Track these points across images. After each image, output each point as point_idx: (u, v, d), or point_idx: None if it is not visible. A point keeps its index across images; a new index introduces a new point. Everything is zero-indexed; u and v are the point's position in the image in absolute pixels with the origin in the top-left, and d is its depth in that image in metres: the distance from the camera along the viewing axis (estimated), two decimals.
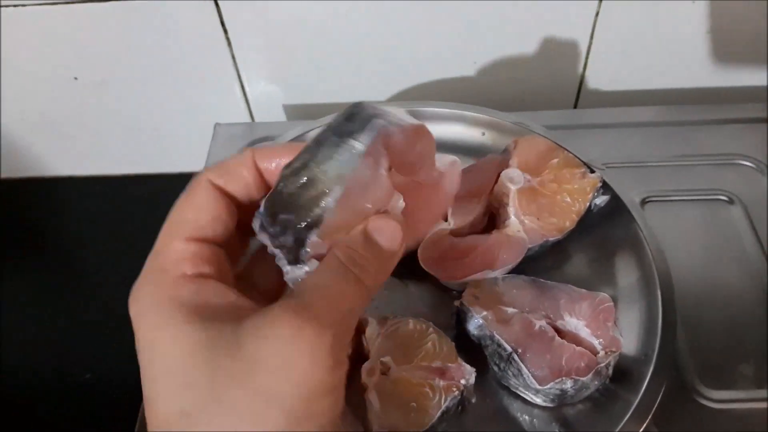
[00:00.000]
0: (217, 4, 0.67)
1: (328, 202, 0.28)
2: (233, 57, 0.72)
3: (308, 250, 0.29)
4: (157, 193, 0.83)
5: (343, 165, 0.29)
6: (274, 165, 0.31)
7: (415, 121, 0.32)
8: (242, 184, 0.31)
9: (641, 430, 0.42)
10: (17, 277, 0.76)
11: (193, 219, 0.30)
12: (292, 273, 0.29)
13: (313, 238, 0.28)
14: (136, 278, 0.30)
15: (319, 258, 0.29)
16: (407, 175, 0.34)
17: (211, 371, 0.25)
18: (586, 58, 0.71)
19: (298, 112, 0.78)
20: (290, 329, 0.25)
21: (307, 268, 0.29)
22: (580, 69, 0.72)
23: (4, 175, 0.84)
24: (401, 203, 0.33)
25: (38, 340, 0.69)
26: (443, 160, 0.36)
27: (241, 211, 0.31)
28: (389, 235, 0.29)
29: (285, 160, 0.30)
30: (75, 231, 0.82)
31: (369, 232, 0.29)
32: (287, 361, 0.25)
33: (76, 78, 0.74)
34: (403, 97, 0.75)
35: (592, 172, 0.53)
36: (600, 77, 0.73)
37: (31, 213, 0.83)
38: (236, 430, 0.25)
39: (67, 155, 0.83)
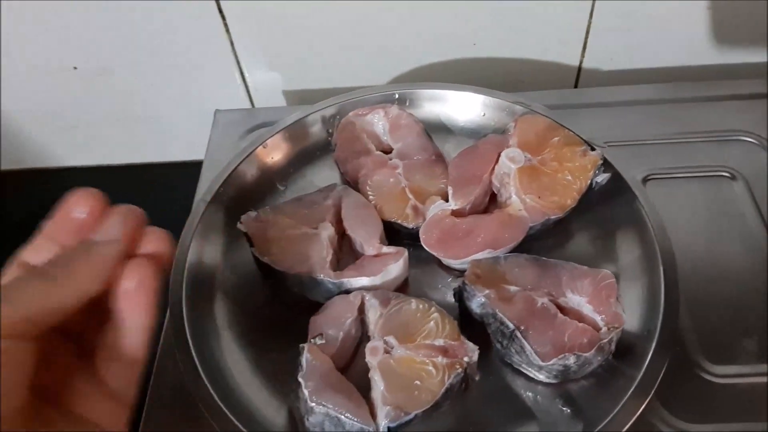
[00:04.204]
0: None
1: None
2: (232, 44, 0.72)
3: None
4: (158, 182, 0.84)
5: None
6: None
7: None
8: None
9: (644, 405, 0.43)
10: None
11: None
12: None
13: None
14: None
15: None
16: None
17: None
18: (586, 37, 0.71)
19: (298, 98, 0.78)
20: None
21: None
22: (580, 49, 0.72)
23: (5, 166, 0.84)
24: None
25: None
26: None
27: None
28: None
29: None
30: None
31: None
32: None
33: (75, 68, 0.74)
34: (402, 80, 0.75)
35: (593, 149, 0.53)
36: (600, 57, 0.73)
37: (32, 204, 0.83)
38: None
39: (69, 146, 0.83)
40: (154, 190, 0.83)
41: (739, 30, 0.70)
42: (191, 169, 0.65)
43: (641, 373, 0.44)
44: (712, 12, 0.68)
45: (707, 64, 0.73)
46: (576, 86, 0.76)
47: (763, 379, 0.48)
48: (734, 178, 0.59)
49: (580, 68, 0.74)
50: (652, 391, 0.43)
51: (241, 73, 0.75)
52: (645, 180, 0.59)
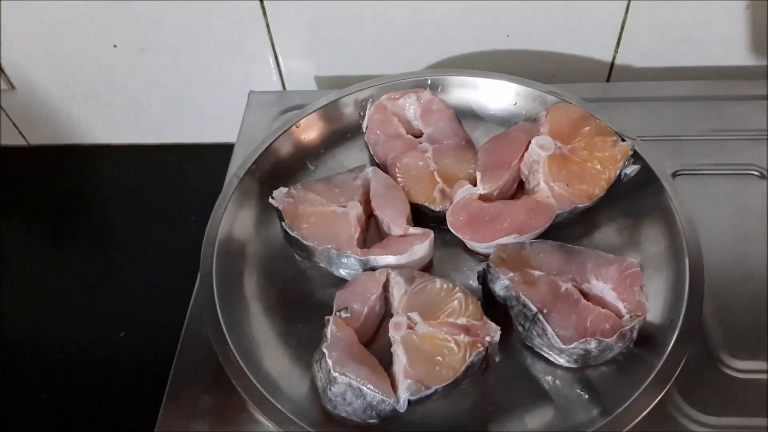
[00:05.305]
0: None
1: None
2: (268, 28, 0.73)
3: None
4: (190, 163, 0.85)
5: None
6: None
7: None
8: None
9: (662, 393, 0.43)
10: (56, 240, 0.78)
11: None
12: None
13: None
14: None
15: None
16: None
17: None
18: (620, 33, 0.71)
19: (330, 84, 0.79)
20: None
21: None
22: (614, 44, 0.72)
23: (44, 141, 0.87)
24: None
25: (75, 301, 0.71)
26: None
27: None
28: None
29: None
30: (112, 197, 0.84)
31: None
32: None
33: (115, 46, 0.76)
34: (435, 68, 0.75)
35: (624, 141, 0.53)
36: (633, 53, 0.72)
37: (70, 179, 0.85)
38: None
39: (106, 123, 0.85)
40: (186, 170, 0.84)
41: None
42: (223, 151, 0.66)
43: (661, 362, 0.44)
44: (750, 12, 0.67)
45: (742, 65, 0.72)
46: (608, 81, 0.76)
47: None
48: (763, 177, 0.58)
49: (612, 64, 0.74)
50: (672, 380, 0.43)
51: (276, 58, 0.76)
52: (675, 175, 0.59)
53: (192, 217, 0.75)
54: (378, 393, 0.41)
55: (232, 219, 0.54)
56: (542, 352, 0.46)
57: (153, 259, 0.74)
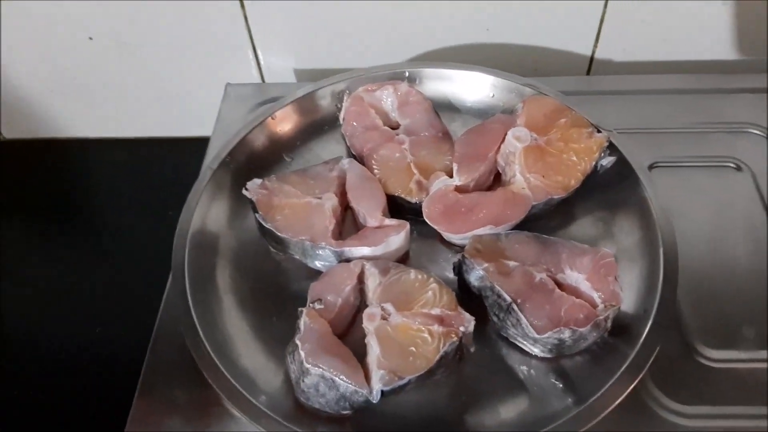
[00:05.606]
0: None
1: None
2: (247, 21, 0.72)
3: None
4: (169, 157, 0.85)
5: None
6: None
7: None
8: None
9: (636, 381, 0.43)
10: (30, 234, 0.77)
11: None
12: None
13: None
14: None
15: None
16: None
17: None
18: (599, 27, 0.71)
19: (309, 77, 0.78)
20: None
21: None
22: (593, 38, 0.72)
23: (20, 135, 0.85)
24: None
25: (53, 295, 0.70)
26: None
27: None
28: None
29: None
30: (89, 191, 0.83)
31: None
32: None
33: (90, 38, 0.75)
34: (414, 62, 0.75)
35: (600, 132, 0.53)
36: (613, 47, 0.73)
37: (46, 173, 0.84)
38: None
39: (83, 117, 0.84)
40: (164, 164, 0.84)
41: (753, 26, 0.69)
42: (203, 145, 0.66)
43: (635, 352, 0.44)
44: (728, 8, 0.68)
45: (720, 59, 0.73)
46: (588, 75, 0.76)
47: (759, 365, 0.48)
48: (740, 170, 0.59)
49: (592, 58, 0.74)
50: (645, 369, 0.44)
51: (255, 51, 0.76)
52: (651, 167, 0.59)
53: (170, 212, 0.74)
54: (351, 384, 0.41)
55: (205, 212, 0.53)
56: (517, 342, 0.46)
57: (132, 253, 0.73)
